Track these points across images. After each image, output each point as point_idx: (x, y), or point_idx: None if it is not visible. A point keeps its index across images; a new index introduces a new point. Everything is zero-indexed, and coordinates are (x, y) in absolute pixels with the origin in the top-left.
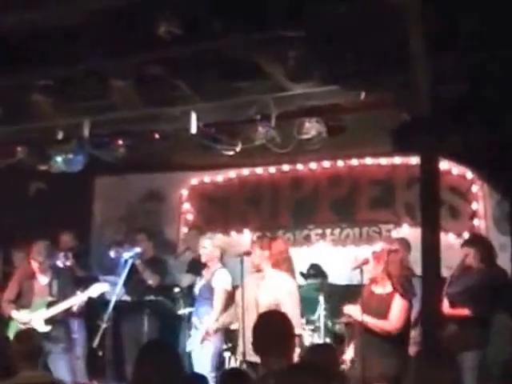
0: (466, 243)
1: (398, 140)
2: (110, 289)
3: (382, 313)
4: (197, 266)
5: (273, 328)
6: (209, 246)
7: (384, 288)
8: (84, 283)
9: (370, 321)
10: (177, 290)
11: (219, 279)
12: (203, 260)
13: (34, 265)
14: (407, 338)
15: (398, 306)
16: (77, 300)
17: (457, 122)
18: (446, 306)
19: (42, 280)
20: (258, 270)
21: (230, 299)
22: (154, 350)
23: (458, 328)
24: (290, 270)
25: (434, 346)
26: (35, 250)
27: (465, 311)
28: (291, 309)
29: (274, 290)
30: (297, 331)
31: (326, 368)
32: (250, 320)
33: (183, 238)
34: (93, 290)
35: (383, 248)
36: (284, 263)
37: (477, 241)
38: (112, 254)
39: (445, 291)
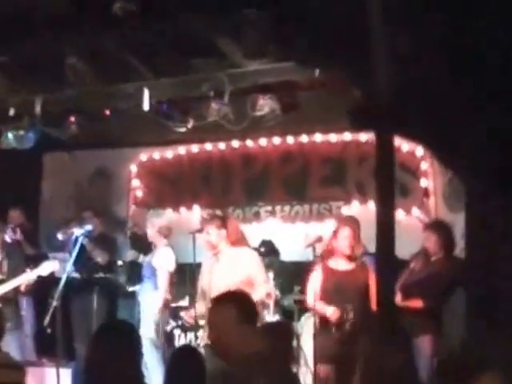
0: (430, 228)
1: (354, 118)
2: (60, 266)
3: (349, 290)
4: (139, 243)
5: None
6: (153, 224)
7: (346, 264)
8: (34, 261)
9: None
10: (119, 263)
11: (161, 259)
12: (149, 238)
13: None
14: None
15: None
16: (26, 278)
17: (412, 101)
18: (397, 298)
19: None
20: (217, 251)
21: (177, 277)
22: (111, 331)
23: (409, 315)
24: (248, 246)
25: (389, 326)
26: None
27: (418, 303)
28: (263, 277)
29: (243, 266)
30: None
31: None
32: (208, 302)
33: (131, 215)
34: (43, 268)
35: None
36: (242, 240)
37: (440, 227)
38: (60, 236)
39: (399, 282)
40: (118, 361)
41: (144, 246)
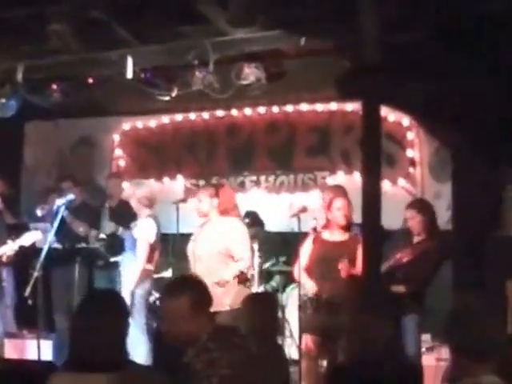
0: (413, 207)
1: (341, 87)
2: (41, 237)
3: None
4: (116, 215)
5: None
6: (134, 194)
7: (341, 234)
8: (15, 231)
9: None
10: (101, 235)
11: (141, 230)
12: (133, 209)
13: None
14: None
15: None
16: (8, 248)
17: (399, 70)
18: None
19: None
20: (206, 220)
21: (157, 248)
22: (98, 298)
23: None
24: (239, 216)
25: (374, 300)
26: None
27: (402, 288)
28: (243, 253)
29: (224, 236)
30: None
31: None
32: (199, 270)
33: (108, 186)
34: (25, 238)
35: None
36: (233, 210)
37: (424, 206)
38: (39, 212)
39: (384, 267)
40: (104, 328)
41: (121, 218)
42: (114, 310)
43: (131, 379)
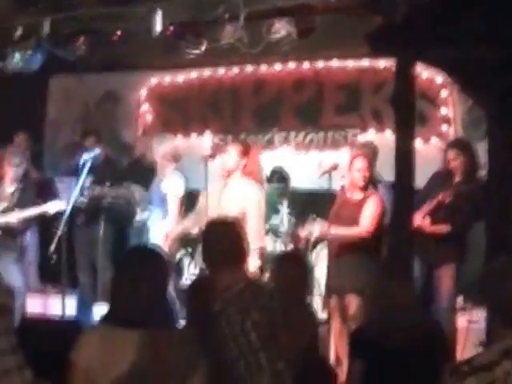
0: (455, 146)
1: (373, 43)
2: (65, 207)
3: (355, 220)
4: (148, 172)
5: (223, 238)
6: (158, 151)
7: (359, 194)
8: (40, 190)
9: (340, 231)
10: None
11: (170, 186)
12: (157, 165)
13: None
14: (380, 246)
15: (370, 208)
16: (32, 212)
17: (433, 26)
18: (427, 223)
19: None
20: (227, 176)
21: (186, 204)
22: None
23: (433, 242)
24: (261, 182)
25: (401, 258)
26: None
27: (444, 228)
28: (257, 220)
29: (241, 198)
30: (259, 243)
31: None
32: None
33: (139, 142)
34: (50, 206)
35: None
36: (257, 173)
37: (466, 146)
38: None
39: (426, 209)
40: (146, 282)
41: (151, 174)
42: (153, 267)
43: (162, 337)
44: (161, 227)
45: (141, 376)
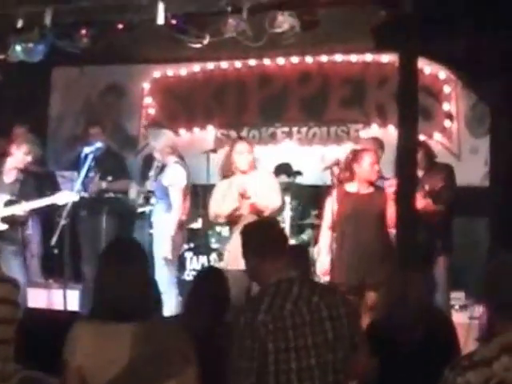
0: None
1: (377, 37)
2: (77, 198)
3: (371, 215)
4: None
5: (274, 227)
6: (154, 146)
7: (367, 188)
8: (46, 188)
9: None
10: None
11: (171, 177)
12: (155, 158)
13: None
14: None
15: (391, 205)
16: (39, 204)
17: (438, 22)
18: (429, 204)
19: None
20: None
21: (189, 194)
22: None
23: (426, 233)
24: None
25: (408, 249)
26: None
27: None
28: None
29: (265, 189)
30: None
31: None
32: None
33: (143, 134)
34: (59, 197)
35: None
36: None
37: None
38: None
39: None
40: (132, 273)
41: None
42: (135, 259)
43: (156, 329)
44: (164, 219)
45: (137, 368)
